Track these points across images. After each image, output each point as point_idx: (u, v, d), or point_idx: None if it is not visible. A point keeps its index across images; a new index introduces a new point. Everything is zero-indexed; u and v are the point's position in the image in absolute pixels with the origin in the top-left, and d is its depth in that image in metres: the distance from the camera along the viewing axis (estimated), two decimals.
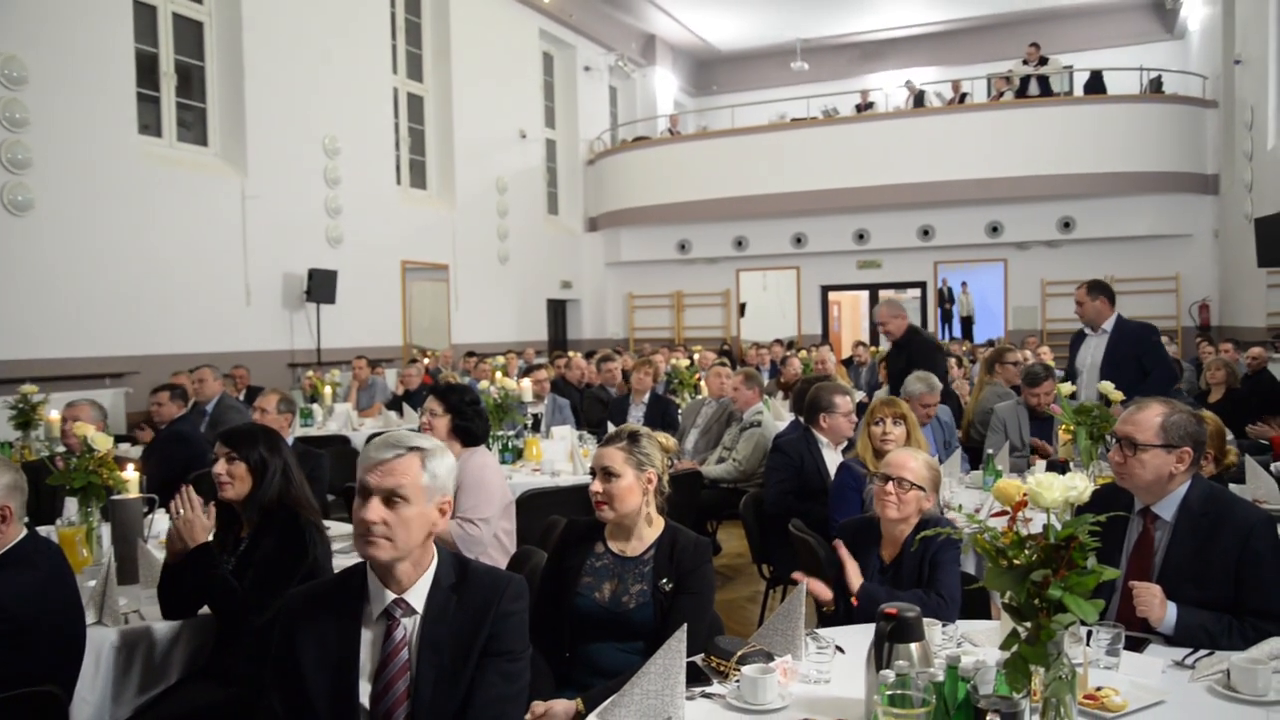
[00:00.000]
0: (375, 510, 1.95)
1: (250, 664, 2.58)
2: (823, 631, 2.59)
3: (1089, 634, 2.31)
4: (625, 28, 19.02)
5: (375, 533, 1.94)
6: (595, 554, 2.79)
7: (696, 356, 11.15)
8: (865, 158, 15.26)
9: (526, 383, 6.86)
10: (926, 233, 15.95)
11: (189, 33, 10.52)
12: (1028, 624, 1.84)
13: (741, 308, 17.86)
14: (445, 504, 2.02)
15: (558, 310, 17.55)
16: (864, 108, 16.94)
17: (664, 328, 17.86)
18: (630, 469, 2.73)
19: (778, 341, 14.09)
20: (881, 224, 16.14)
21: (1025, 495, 1.93)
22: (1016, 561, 1.85)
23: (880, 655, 2.07)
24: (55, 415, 5.68)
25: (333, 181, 11.85)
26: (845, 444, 4.69)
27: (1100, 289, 5.86)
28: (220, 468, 2.89)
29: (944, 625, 2.60)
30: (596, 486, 2.75)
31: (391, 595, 2.02)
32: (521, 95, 16.20)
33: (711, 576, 2.79)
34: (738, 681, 2.25)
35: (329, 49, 11.76)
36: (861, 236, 16.35)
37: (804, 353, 11.44)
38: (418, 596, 2.03)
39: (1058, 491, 1.90)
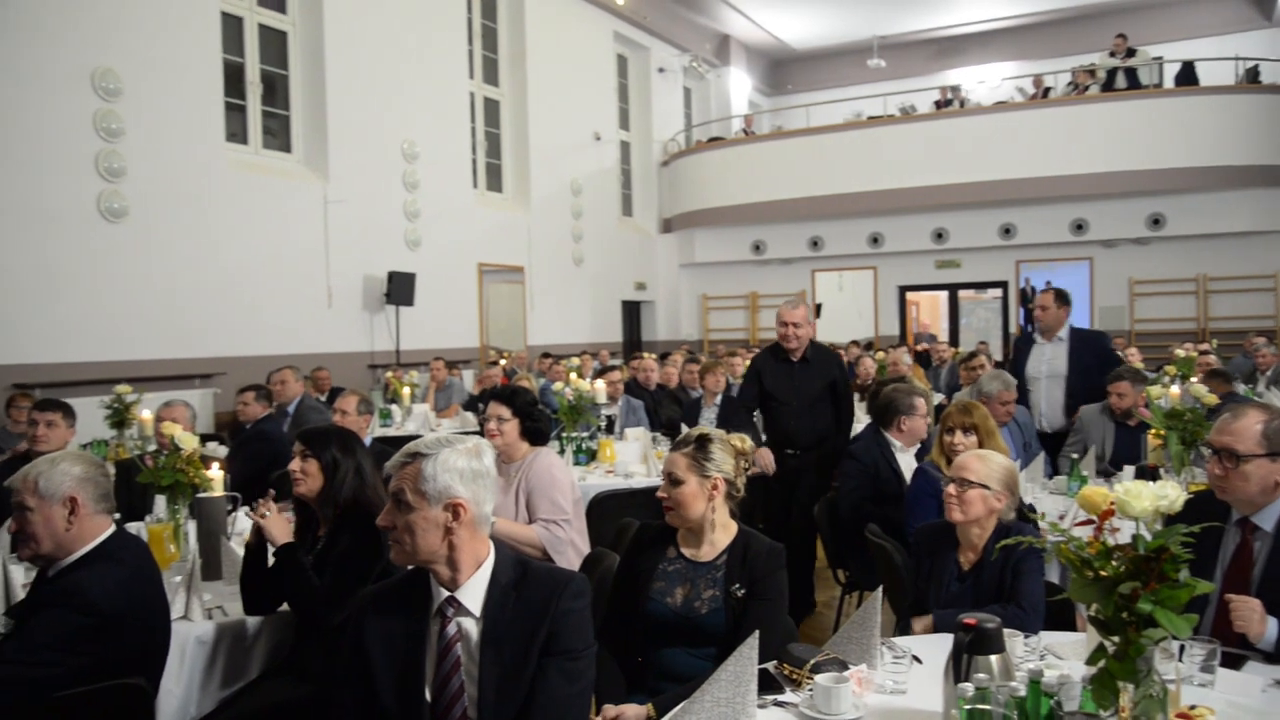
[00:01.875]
0: (385, 515, 2.06)
1: (326, 661, 2.63)
2: (899, 640, 2.54)
3: (1181, 649, 2.21)
4: (699, 28, 18.97)
5: (390, 537, 2.05)
6: (667, 558, 2.77)
7: None
8: (944, 155, 14.96)
9: (600, 384, 6.87)
10: (1008, 231, 15.58)
11: (274, 42, 10.80)
12: (1116, 638, 1.77)
13: (817, 308, 17.66)
14: (454, 504, 2.02)
15: (632, 312, 17.59)
16: (943, 104, 16.62)
17: (738, 329, 17.76)
18: (694, 475, 2.70)
19: (854, 343, 13.90)
20: (961, 222, 15.81)
21: (1113, 504, 1.86)
22: (1103, 573, 1.78)
23: (959, 667, 2.01)
24: (147, 415, 5.86)
25: (411, 186, 12.05)
26: (919, 447, 4.60)
27: (1066, 299, 5.98)
28: (295, 465, 2.98)
29: (1026, 637, 2.52)
30: (663, 492, 2.74)
31: (444, 594, 2.05)
32: (596, 98, 16.27)
33: (785, 583, 2.75)
34: (811, 690, 2.21)
35: (407, 56, 11.96)
36: (940, 235, 16.04)
37: (880, 354, 11.26)
38: (472, 596, 2.06)
39: (1147, 500, 1.82)
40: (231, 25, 10.14)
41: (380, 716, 2.01)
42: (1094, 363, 5.73)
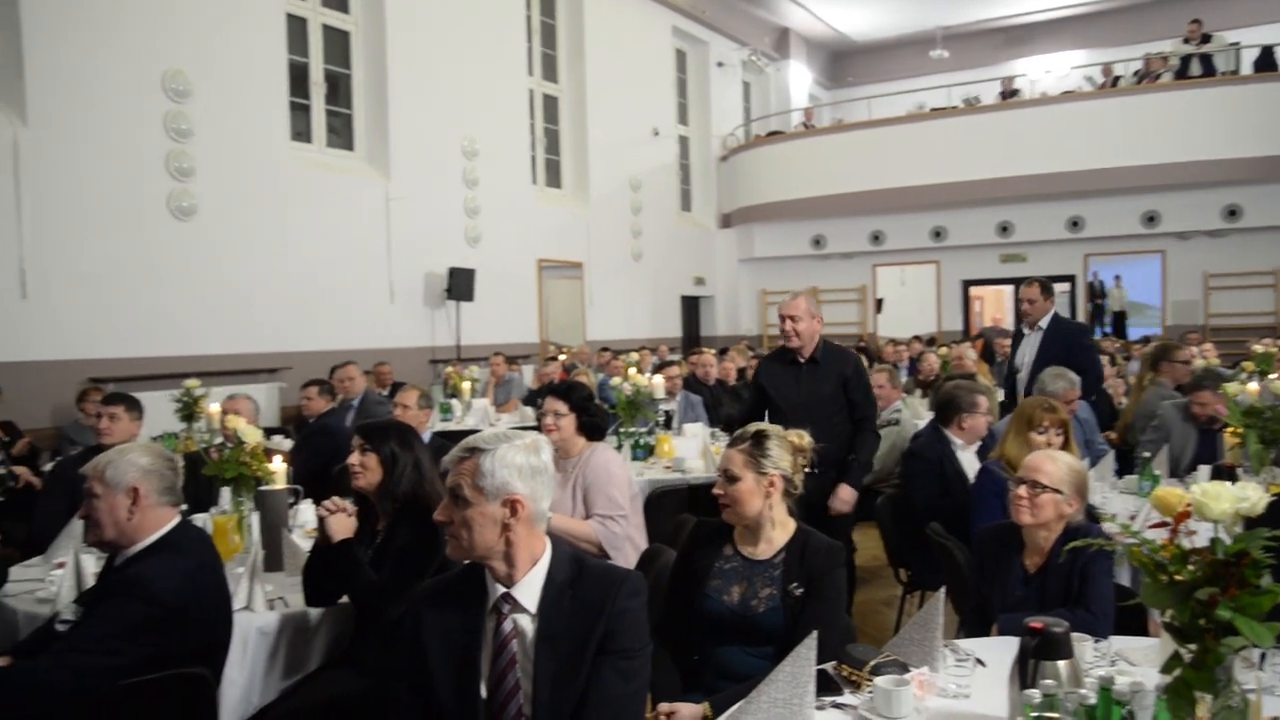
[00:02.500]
0: (442, 510, 2.05)
1: (384, 654, 2.65)
2: (962, 643, 2.48)
3: (1262, 658, 2.11)
4: (758, 22, 18.84)
5: (447, 531, 2.05)
6: (724, 556, 2.74)
7: None
8: (1009, 147, 14.65)
9: (658, 379, 6.85)
10: (1076, 224, 15.21)
11: (337, 43, 10.96)
12: (1192, 646, 1.69)
13: (878, 304, 17.46)
14: (512, 500, 2.00)
15: (691, 307, 17.54)
16: (1008, 95, 16.28)
17: None
18: (750, 472, 2.66)
19: (916, 338, 13.70)
20: (1027, 215, 15.48)
21: (1189, 505, 1.78)
22: (1179, 578, 1.71)
23: (1024, 672, 1.95)
24: (215, 408, 5.98)
25: (471, 182, 12.15)
26: (979, 445, 4.50)
27: (1050, 290, 5.93)
28: (354, 458, 3.01)
29: (1096, 641, 2.44)
30: (720, 489, 2.71)
31: (500, 590, 2.05)
32: (654, 93, 16.25)
33: (844, 583, 2.70)
34: (870, 692, 2.16)
35: (467, 54, 12.06)
36: (1005, 229, 15.73)
37: (944, 349, 11.07)
38: (527, 593, 2.04)
39: (1226, 503, 1.74)
40: (296, 26, 10.31)
41: (436, 711, 2.01)
42: (1060, 352, 5.56)
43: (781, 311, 4.63)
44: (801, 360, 4.58)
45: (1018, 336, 6.12)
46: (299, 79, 10.35)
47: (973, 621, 3.02)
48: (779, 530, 2.71)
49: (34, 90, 7.69)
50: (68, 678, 2.19)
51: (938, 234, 16.24)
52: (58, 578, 2.97)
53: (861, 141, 16.19)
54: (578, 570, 2.08)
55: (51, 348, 7.72)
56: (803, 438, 2.80)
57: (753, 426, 2.81)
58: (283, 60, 9.91)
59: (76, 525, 3.02)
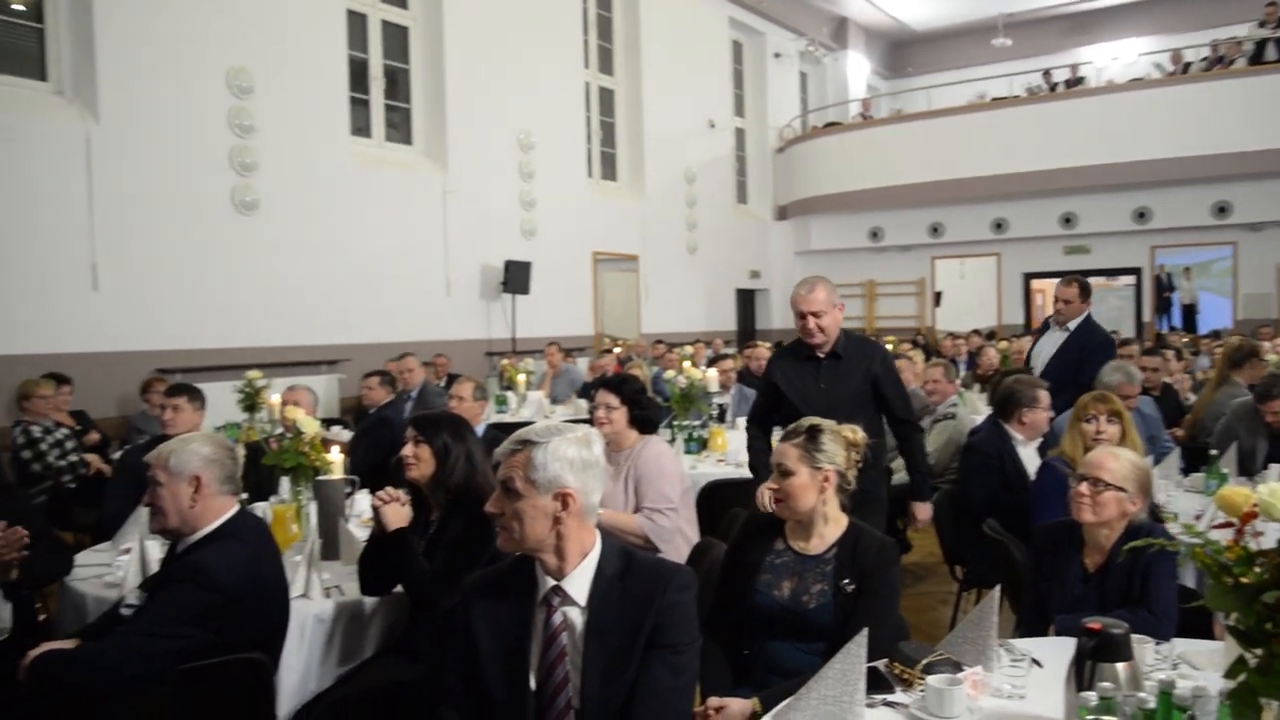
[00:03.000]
0: (493, 502, 2.06)
1: (436, 644, 2.68)
2: (1018, 642, 2.44)
3: None
4: (816, 12, 18.65)
5: (497, 523, 2.06)
6: (775, 550, 2.73)
7: (890, 347, 10.81)
8: (1073, 136, 14.30)
9: (712, 372, 6.83)
10: (1142, 215, 14.83)
11: (396, 38, 11.08)
12: (1258, 651, 1.64)
13: (937, 296, 17.21)
14: (563, 493, 2.01)
15: (747, 300, 17.46)
16: (1073, 83, 15.92)
17: (855, 317, 17.41)
18: (805, 467, 2.64)
19: (975, 332, 13.48)
20: (1091, 206, 15.12)
21: (1255, 506, 1.72)
22: (1244, 580, 1.65)
23: (1081, 674, 1.91)
24: (276, 399, 6.10)
25: (527, 175, 12.22)
26: (1040, 441, 4.41)
27: (1089, 292, 5.81)
28: (408, 450, 3.05)
29: (1157, 644, 2.38)
30: (773, 483, 2.69)
31: (550, 582, 2.05)
32: (710, 85, 16.18)
33: (897, 580, 2.67)
34: (922, 691, 2.13)
35: (524, 47, 12.12)
36: (1069, 220, 15.39)
37: (1003, 343, 10.88)
38: (577, 585, 2.05)
39: None
40: (356, 22, 10.45)
41: (485, 701, 2.02)
42: (1076, 355, 5.52)
43: (800, 307, 4.00)
44: (821, 355, 4.01)
45: (1040, 332, 6.03)
46: (359, 74, 10.50)
47: (1030, 621, 2.97)
48: (831, 525, 2.69)
49: (105, 89, 7.90)
50: (130, 660, 2.25)
51: (998, 226, 15.95)
52: (124, 563, 3.05)
53: (920, 132, 15.95)
54: (627, 563, 2.09)
55: (120, 339, 7.93)
56: (856, 432, 2.78)
57: (806, 421, 2.77)
58: (343, 56, 10.05)
59: (143, 512, 3.09)
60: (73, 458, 6.19)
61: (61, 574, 3.25)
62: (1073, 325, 5.66)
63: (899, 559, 2.67)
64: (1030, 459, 4.34)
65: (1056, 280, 6.24)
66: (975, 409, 7.57)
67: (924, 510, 4.15)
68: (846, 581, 2.58)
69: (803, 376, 4.04)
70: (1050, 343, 5.79)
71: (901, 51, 21.55)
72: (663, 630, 2.01)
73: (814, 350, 4.02)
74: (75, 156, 7.71)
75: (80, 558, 3.40)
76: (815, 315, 3.95)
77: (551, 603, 2.04)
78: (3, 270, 7.23)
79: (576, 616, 2.04)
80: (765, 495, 3.39)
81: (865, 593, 2.57)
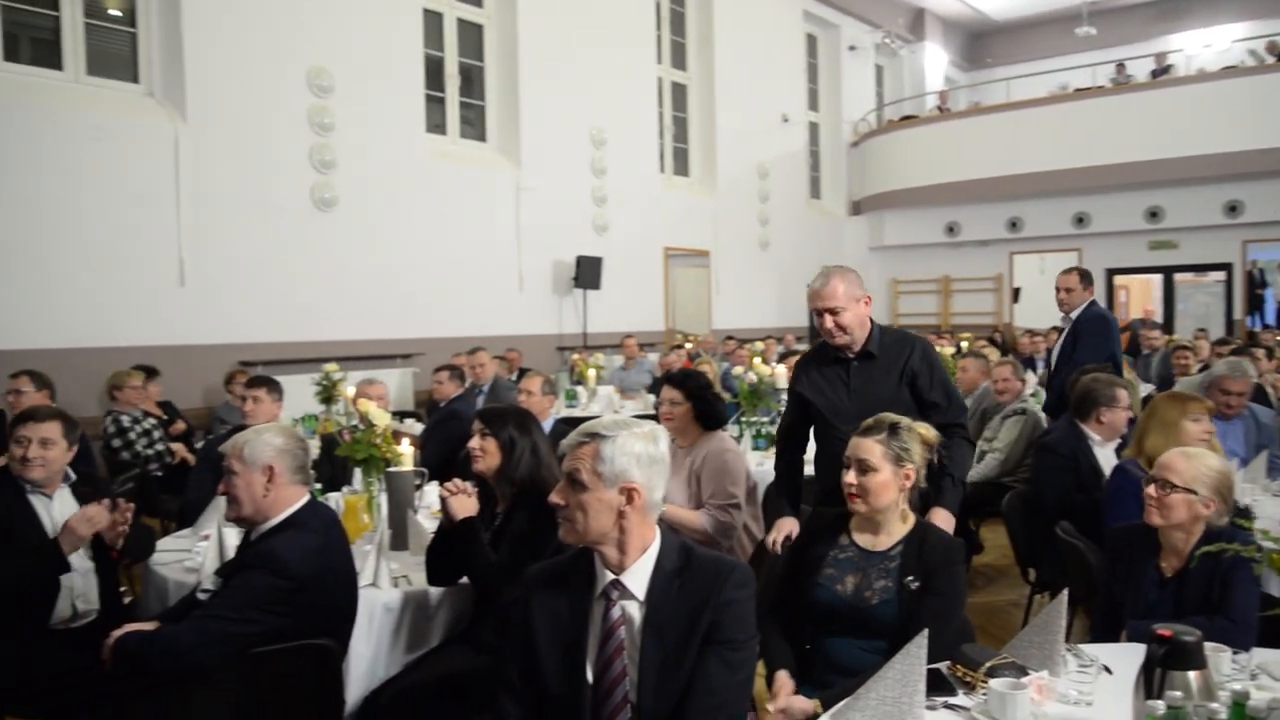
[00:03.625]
0: (558, 493, 2.08)
1: (499, 634, 2.72)
2: (1087, 648, 2.38)
3: None
4: (892, 4, 18.36)
5: (561, 515, 2.07)
6: (839, 545, 2.71)
7: (964, 344, 10.63)
8: (1161, 127, 13.84)
9: (781, 368, 6.79)
10: (1234, 208, 14.28)
11: (471, 36, 11.23)
12: None
13: (1015, 293, 16.82)
14: (629, 488, 2.02)
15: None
16: (1160, 73, 15.41)
17: (930, 314, 17.15)
18: (888, 464, 2.61)
19: (1055, 329, 13.14)
20: (1179, 199, 14.61)
21: None
22: None
23: (1150, 682, 1.87)
24: (351, 392, 6.24)
25: (599, 171, 12.28)
26: (1119, 441, 4.29)
27: (1090, 280, 5.78)
28: (474, 442, 3.10)
29: (1235, 653, 2.30)
30: (850, 478, 2.65)
31: (610, 576, 2.07)
32: (784, 79, 16.05)
33: (962, 580, 2.63)
34: (985, 694, 2.10)
35: (597, 43, 12.17)
36: (1155, 214, 14.90)
37: None
38: (636, 580, 2.06)
39: None
40: (432, 21, 10.61)
41: (543, 693, 2.05)
42: (1071, 340, 5.63)
43: (815, 304, 3.46)
44: (851, 356, 3.50)
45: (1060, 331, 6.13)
46: (434, 72, 10.66)
47: (1102, 626, 2.90)
48: (899, 523, 2.66)
49: (193, 90, 8.16)
50: (204, 643, 2.34)
51: (1080, 220, 15.52)
52: (203, 549, 3.16)
53: (1000, 124, 15.60)
54: (686, 559, 2.09)
55: (205, 332, 8.19)
56: (929, 431, 2.74)
57: (888, 416, 2.73)
58: (419, 54, 10.22)
59: (221, 500, 3.19)
60: (159, 446, 6.41)
61: (144, 557, 3.38)
62: (1075, 314, 5.69)
63: (965, 559, 2.62)
64: (1107, 460, 4.23)
65: (1142, 276, 6.27)
66: None
67: (944, 518, 3.28)
68: (911, 579, 2.55)
69: (830, 382, 3.53)
70: (1061, 337, 5.92)
71: (981, 42, 21.10)
72: (719, 627, 2.01)
73: (842, 351, 3.51)
74: (164, 156, 7.99)
75: (163, 543, 3.53)
76: (833, 312, 3.40)
77: (610, 596, 2.06)
78: (96, 266, 7.53)
79: (635, 611, 2.05)
80: (779, 539, 3.32)
81: (930, 591, 2.53)
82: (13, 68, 7.46)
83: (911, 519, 2.67)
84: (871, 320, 3.53)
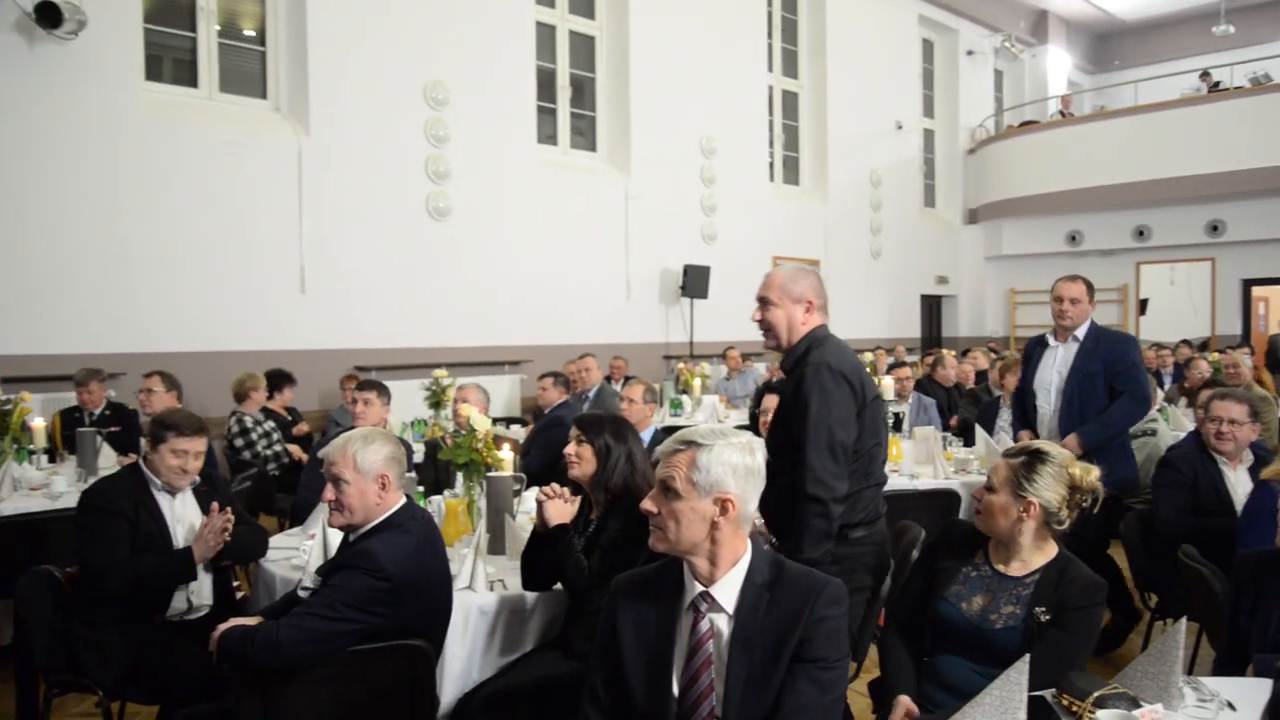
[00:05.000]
0: (651, 501, 2.05)
1: (589, 641, 2.72)
2: (1209, 681, 2.24)
3: None
4: (1013, 6, 17.83)
5: (653, 523, 2.04)
6: (974, 563, 2.61)
7: None
8: None
9: (889, 380, 6.64)
10: None
11: (582, 48, 11.38)
12: None
13: (1142, 305, 16.09)
14: (724, 499, 1.99)
15: (932, 306, 16.88)
16: None
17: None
18: (1008, 490, 2.51)
19: (1185, 343, 12.52)
20: None
21: None
22: None
23: None
24: None
25: (708, 180, 12.26)
26: (1252, 461, 4.04)
27: (1091, 287, 4.80)
28: (570, 448, 3.12)
29: None
30: (978, 493, 2.61)
31: (699, 588, 2.03)
32: (898, 85, 15.75)
33: (1097, 623, 2.47)
34: None
35: (708, 53, 12.18)
36: None
37: (1215, 355, 10.05)
38: (726, 592, 2.02)
39: None
40: (545, 34, 10.79)
41: (628, 704, 2.03)
42: (1099, 369, 4.55)
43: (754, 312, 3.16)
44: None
45: (1038, 346, 4.92)
46: (546, 84, 10.83)
47: (1226, 659, 2.73)
48: (1034, 553, 2.53)
49: (316, 104, 8.50)
50: (301, 640, 2.40)
51: (1214, 228, 14.74)
52: (309, 547, 3.26)
53: (1127, 129, 14.96)
54: (777, 573, 2.05)
55: (323, 337, 8.50)
56: (1089, 474, 2.54)
57: (1035, 444, 2.61)
58: (531, 67, 10.40)
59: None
60: (277, 447, 6.66)
61: (258, 555, 3.50)
62: (1081, 333, 4.69)
63: (1104, 601, 2.47)
64: (1239, 482, 3.99)
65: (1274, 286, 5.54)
66: (1180, 425, 7.06)
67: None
68: (1042, 610, 2.42)
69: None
70: (1057, 359, 4.77)
71: (1107, 44, 20.30)
72: (810, 644, 1.95)
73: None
74: (288, 168, 8.33)
75: (274, 540, 3.66)
76: (761, 302, 3.12)
77: (699, 609, 2.02)
78: (224, 274, 7.90)
79: (723, 624, 2.01)
80: None
81: (1060, 627, 2.40)
82: (153, 86, 7.90)
83: (1052, 550, 2.54)
84: (817, 334, 2.98)
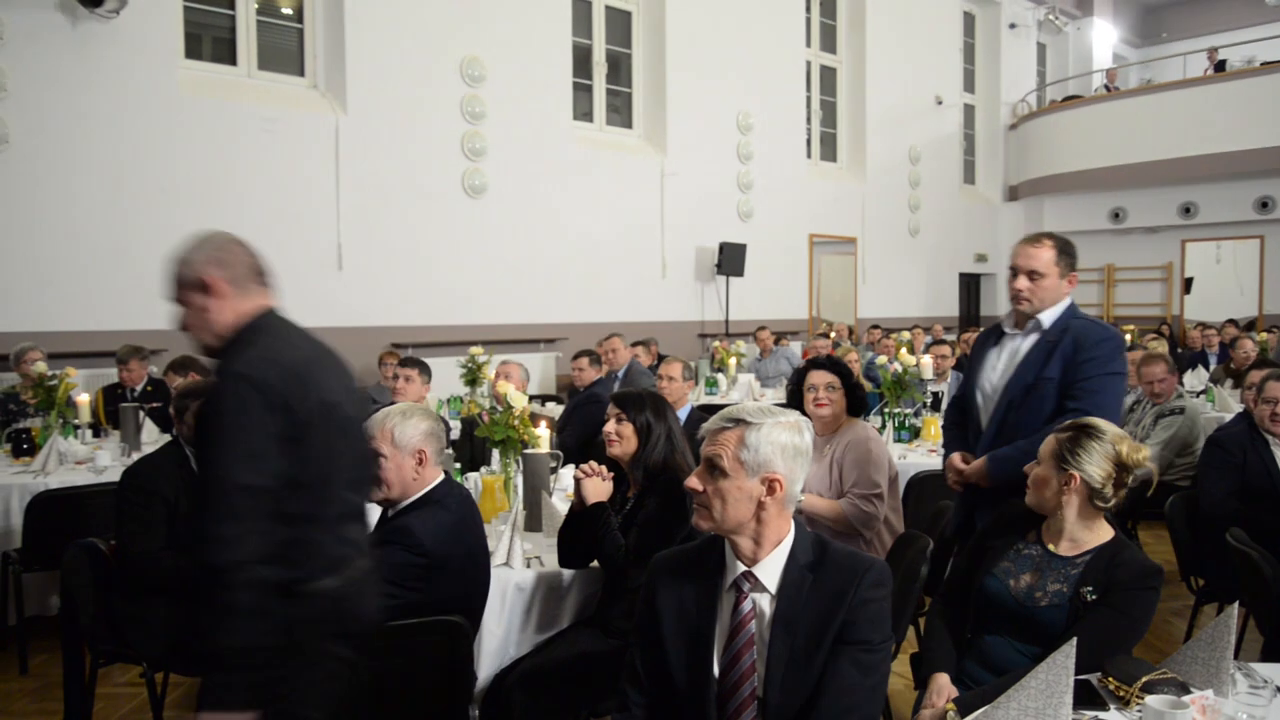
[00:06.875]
0: (696, 479, 2.02)
1: (626, 619, 2.72)
2: (1259, 667, 2.19)
3: None
4: None
5: (697, 501, 2.02)
6: (1026, 541, 2.56)
7: (1128, 336, 10.05)
8: None
9: (927, 359, 6.58)
10: None
11: (619, 24, 11.29)
12: None
13: (1187, 283, 15.79)
14: (771, 479, 1.96)
15: (971, 285, 16.68)
16: None
17: (1091, 305, 16.27)
18: (1053, 462, 2.46)
19: (1231, 322, 12.28)
20: None
21: None
22: None
23: None
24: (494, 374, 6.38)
25: (745, 157, 12.16)
26: None
27: (1071, 252, 3.27)
28: (610, 426, 3.10)
29: None
30: (1029, 467, 2.56)
31: (742, 567, 2.01)
32: (938, 60, 15.49)
33: (1150, 608, 2.37)
34: (1140, 711, 1.95)
35: (745, 28, 12.05)
36: None
37: (1263, 335, 9.85)
38: (769, 572, 2.00)
39: None
40: (581, 10, 10.73)
41: (667, 682, 2.02)
42: (1055, 374, 3.14)
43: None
44: None
45: (993, 336, 3.43)
46: (582, 60, 10.78)
47: (1277, 643, 2.67)
48: (1085, 532, 2.46)
49: (353, 82, 8.52)
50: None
51: (1265, 205, 14.40)
52: None
53: (1174, 103, 14.63)
54: (821, 553, 2.02)
55: (361, 314, 8.54)
56: (1138, 452, 2.47)
57: (1085, 420, 2.54)
58: (567, 43, 10.35)
59: None
60: None
61: None
62: (1047, 321, 3.22)
63: (1159, 587, 2.38)
64: None
65: None
66: (1225, 406, 6.93)
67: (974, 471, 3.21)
68: (1089, 589, 2.36)
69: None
70: (999, 358, 3.35)
71: (1155, 16, 19.85)
72: (853, 626, 1.93)
73: None
74: (325, 146, 8.36)
75: None
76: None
77: (742, 588, 2.00)
78: (262, 251, 7.91)
79: (765, 604, 1.99)
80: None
81: (1109, 606, 2.33)
82: (193, 64, 7.95)
83: (1107, 533, 2.48)
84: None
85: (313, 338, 2.22)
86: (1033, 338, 3.24)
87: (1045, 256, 3.20)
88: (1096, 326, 3.23)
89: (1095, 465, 2.42)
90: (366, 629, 2.17)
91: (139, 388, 6.43)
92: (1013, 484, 2.75)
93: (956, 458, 3.35)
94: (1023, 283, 3.22)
